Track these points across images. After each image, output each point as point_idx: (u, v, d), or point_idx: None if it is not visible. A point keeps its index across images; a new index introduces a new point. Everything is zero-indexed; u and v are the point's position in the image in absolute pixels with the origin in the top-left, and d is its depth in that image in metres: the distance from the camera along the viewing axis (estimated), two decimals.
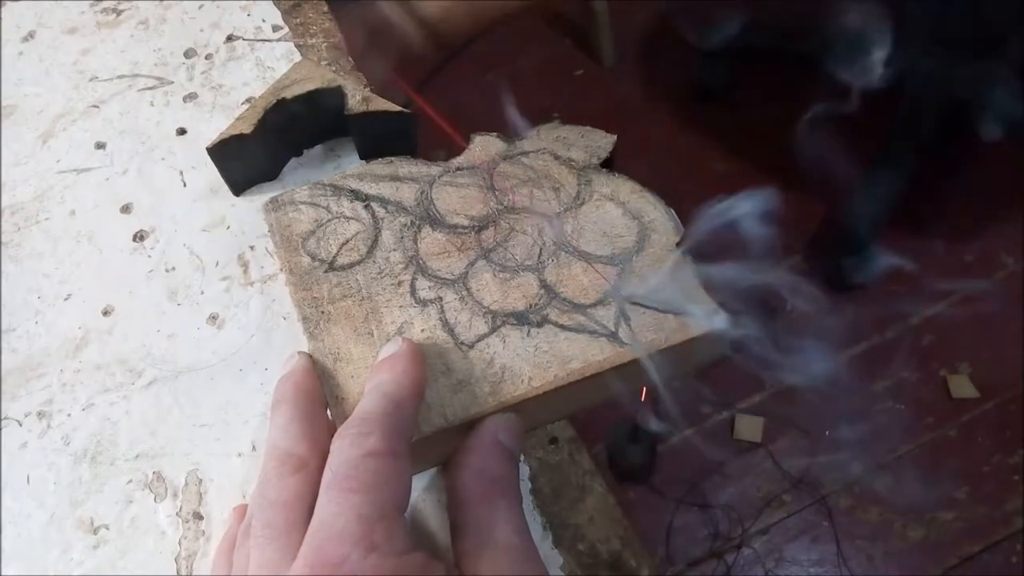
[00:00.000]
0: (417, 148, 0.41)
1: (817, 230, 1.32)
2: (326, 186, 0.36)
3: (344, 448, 0.25)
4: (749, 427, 1.16)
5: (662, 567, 1.07)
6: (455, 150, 0.37)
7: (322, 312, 0.32)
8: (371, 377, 0.29)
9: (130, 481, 0.34)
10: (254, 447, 0.34)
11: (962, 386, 1.16)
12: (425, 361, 0.30)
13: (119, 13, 0.52)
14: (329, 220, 0.35)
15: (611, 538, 0.32)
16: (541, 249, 0.33)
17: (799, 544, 1.08)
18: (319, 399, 0.30)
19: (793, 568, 1.07)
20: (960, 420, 1.14)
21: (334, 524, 0.24)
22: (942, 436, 1.14)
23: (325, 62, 0.47)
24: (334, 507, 0.24)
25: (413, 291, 0.32)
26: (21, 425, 0.36)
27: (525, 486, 0.33)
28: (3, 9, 0.53)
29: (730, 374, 1.19)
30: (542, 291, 0.32)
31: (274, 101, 0.39)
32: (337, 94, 0.40)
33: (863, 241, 1.26)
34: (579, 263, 0.32)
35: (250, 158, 0.41)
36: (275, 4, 0.50)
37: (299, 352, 0.31)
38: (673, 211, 0.34)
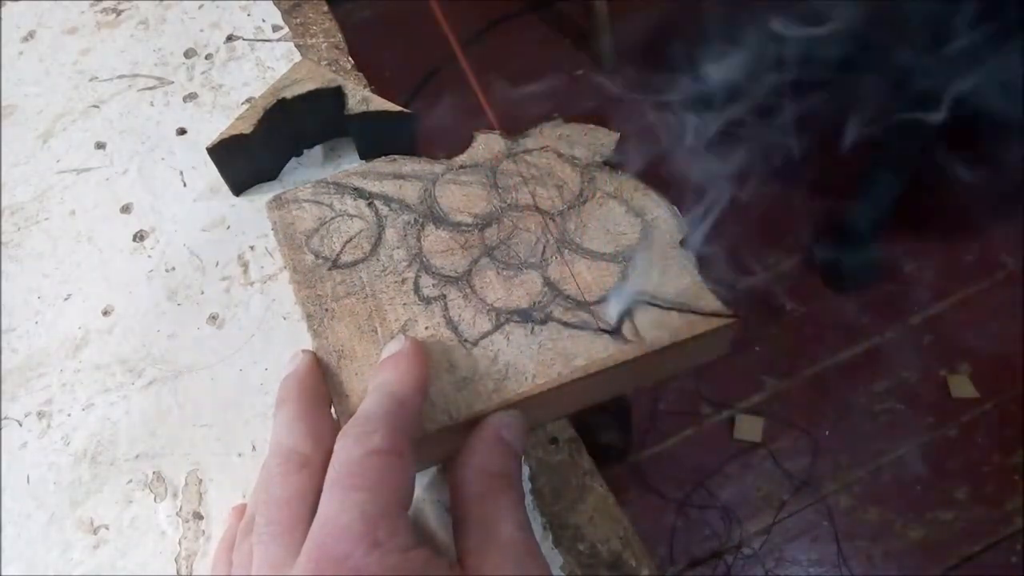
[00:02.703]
0: (417, 148, 0.41)
1: (817, 230, 1.32)
2: (329, 184, 0.36)
3: (348, 446, 0.25)
4: (749, 427, 1.16)
5: (662, 567, 1.07)
6: (456, 149, 0.37)
7: (326, 310, 0.32)
8: (375, 375, 0.29)
9: (130, 481, 0.34)
10: (254, 447, 0.34)
11: (962, 386, 1.16)
12: (428, 359, 0.30)
13: (119, 13, 0.52)
14: (333, 218, 0.35)
15: (611, 538, 0.32)
16: (544, 246, 0.33)
17: (799, 544, 1.08)
18: (323, 397, 0.30)
19: (793, 568, 1.07)
20: (960, 420, 1.14)
21: (338, 521, 0.24)
22: (942, 436, 1.14)
23: (325, 62, 0.47)
24: (337, 504, 0.24)
25: (417, 289, 0.32)
26: (21, 425, 0.36)
27: (525, 486, 0.33)
28: (3, 9, 0.53)
29: (730, 374, 1.19)
30: (546, 288, 0.32)
31: (274, 101, 0.39)
32: (337, 94, 0.40)
33: (863, 241, 1.26)
34: (583, 260, 0.32)
35: (250, 158, 0.41)
36: (275, 4, 0.50)
37: (303, 350, 0.31)
38: (676, 208, 0.34)
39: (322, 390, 0.30)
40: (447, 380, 0.30)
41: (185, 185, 0.43)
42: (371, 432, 0.25)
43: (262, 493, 0.27)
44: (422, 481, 0.32)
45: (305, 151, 0.43)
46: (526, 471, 0.33)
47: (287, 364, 0.31)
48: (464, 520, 0.27)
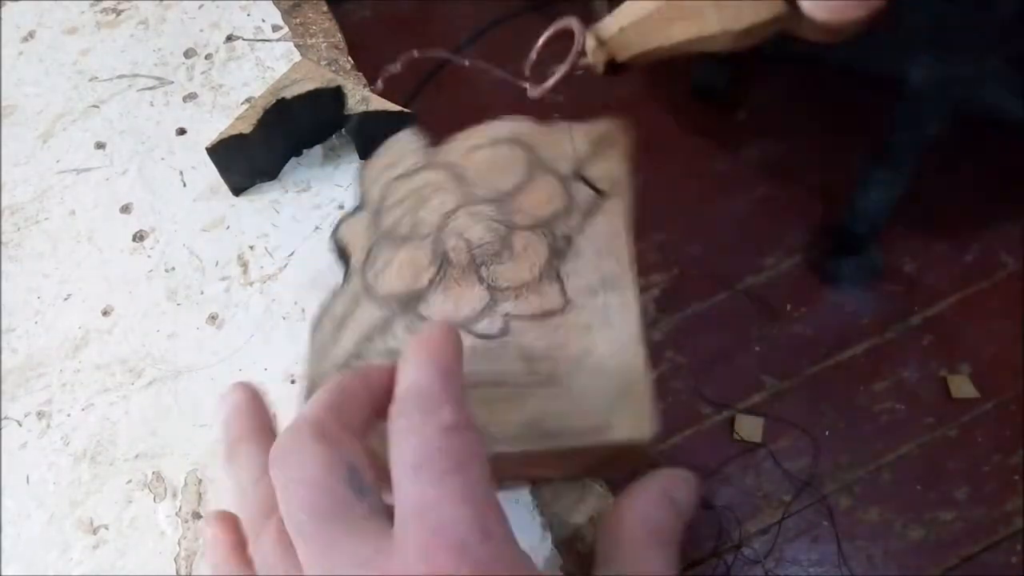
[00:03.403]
0: None
1: (818, 230, 1.32)
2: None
3: (416, 425, 0.23)
4: (749, 427, 1.16)
5: None
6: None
7: None
8: (411, 355, 0.26)
9: (130, 481, 0.34)
10: None
11: (962, 386, 1.16)
12: (459, 336, 0.27)
13: (119, 13, 0.52)
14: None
15: None
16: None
17: (799, 544, 1.08)
18: (271, 430, 0.28)
19: (793, 568, 1.06)
20: (960, 420, 1.14)
21: (441, 509, 0.21)
22: (942, 436, 1.14)
23: (325, 62, 0.47)
24: (433, 489, 0.21)
25: None
26: (21, 425, 0.36)
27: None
28: (3, 9, 0.53)
29: (730, 374, 1.19)
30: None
31: (274, 101, 0.39)
32: (337, 94, 0.40)
33: (863, 241, 1.26)
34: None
35: (250, 158, 0.41)
36: (275, 4, 0.50)
37: (235, 384, 0.29)
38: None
39: (269, 420, 0.28)
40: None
41: (185, 185, 0.43)
42: (437, 407, 0.23)
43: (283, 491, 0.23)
44: None
45: (305, 151, 0.43)
46: None
47: (220, 403, 0.28)
48: (613, 559, 0.26)
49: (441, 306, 0.32)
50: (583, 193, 0.35)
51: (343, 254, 0.35)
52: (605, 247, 0.33)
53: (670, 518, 0.27)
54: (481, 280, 0.33)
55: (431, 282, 0.33)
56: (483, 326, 0.32)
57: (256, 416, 0.28)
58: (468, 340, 0.31)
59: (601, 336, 0.31)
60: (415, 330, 0.31)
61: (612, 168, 0.36)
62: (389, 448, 0.23)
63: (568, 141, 0.36)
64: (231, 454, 0.27)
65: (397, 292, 0.33)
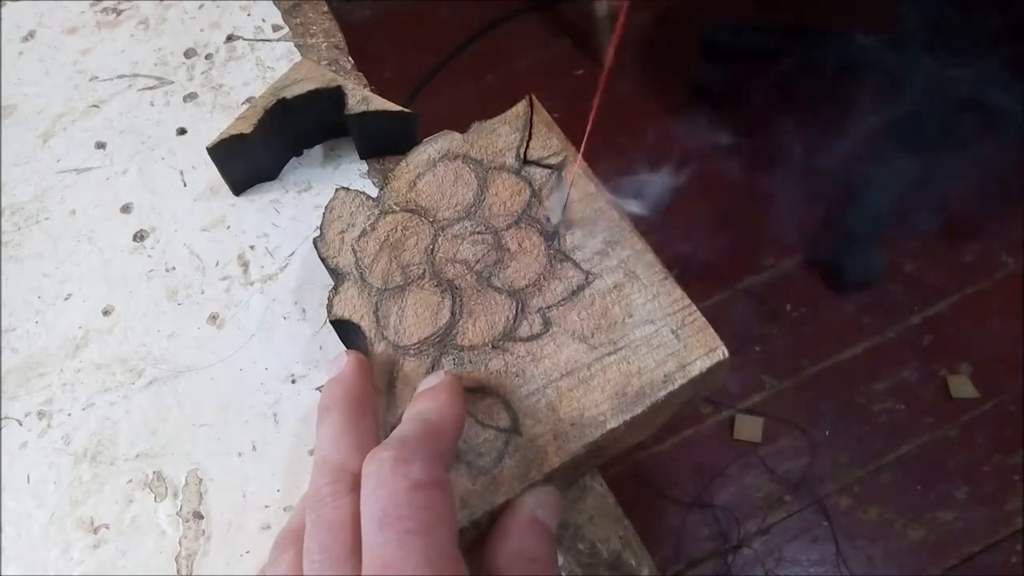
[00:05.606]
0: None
1: (818, 230, 1.32)
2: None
3: (386, 478, 0.23)
4: (749, 427, 1.16)
5: (662, 567, 1.07)
6: None
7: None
8: (412, 406, 0.28)
9: (130, 481, 0.34)
10: (254, 447, 0.34)
11: (962, 386, 1.16)
12: (465, 395, 0.29)
13: (119, 13, 0.52)
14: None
15: (611, 538, 0.32)
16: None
17: (799, 544, 1.08)
18: (370, 404, 0.29)
19: (793, 568, 1.06)
20: (960, 420, 1.14)
21: (403, 569, 0.22)
22: (942, 436, 1.14)
23: (325, 62, 0.47)
24: (396, 550, 0.22)
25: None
26: (21, 425, 0.36)
27: None
28: (3, 9, 0.53)
29: (730, 374, 1.20)
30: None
31: (274, 101, 0.39)
32: (337, 94, 0.40)
33: (864, 241, 1.26)
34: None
35: (250, 158, 0.41)
36: (275, 4, 0.50)
37: (347, 351, 0.30)
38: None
39: (369, 397, 0.29)
40: (464, 473, 0.29)
41: (185, 185, 0.43)
42: (409, 461, 0.24)
43: (312, 513, 0.25)
44: None
45: (305, 151, 0.43)
46: None
47: (330, 365, 0.30)
48: None
49: (476, 330, 0.32)
50: (539, 174, 0.35)
51: (348, 330, 0.34)
52: (589, 213, 0.34)
53: (544, 543, 0.27)
54: (499, 290, 0.33)
55: (453, 314, 0.32)
56: (525, 329, 0.31)
57: (353, 391, 0.29)
58: (521, 348, 0.31)
59: (633, 288, 0.32)
60: (462, 362, 0.31)
61: (548, 141, 0.36)
62: (361, 491, 0.24)
63: (496, 136, 0.37)
64: (319, 418, 0.29)
65: (426, 336, 0.32)
